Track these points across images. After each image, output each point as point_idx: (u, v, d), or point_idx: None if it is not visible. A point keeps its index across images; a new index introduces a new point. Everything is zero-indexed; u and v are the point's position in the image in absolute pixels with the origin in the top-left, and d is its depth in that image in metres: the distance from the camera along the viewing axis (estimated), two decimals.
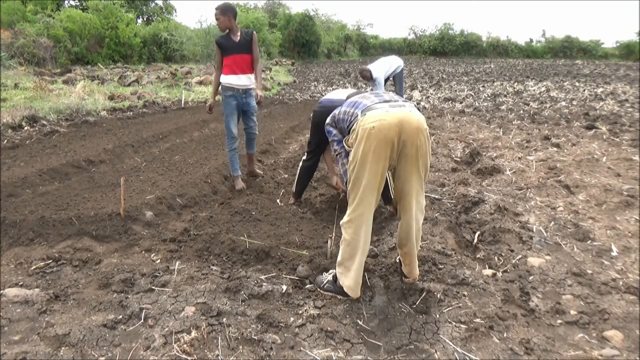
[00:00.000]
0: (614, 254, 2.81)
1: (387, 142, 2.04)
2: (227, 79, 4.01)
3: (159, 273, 2.58)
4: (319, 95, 12.25)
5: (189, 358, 1.83)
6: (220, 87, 4.10)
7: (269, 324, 2.10)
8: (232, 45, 3.97)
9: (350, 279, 2.24)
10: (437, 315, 2.18)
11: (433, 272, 2.56)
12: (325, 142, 3.55)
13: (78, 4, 24.57)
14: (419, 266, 2.47)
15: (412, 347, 1.97)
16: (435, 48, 37.47)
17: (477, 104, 10.08)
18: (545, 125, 7.22)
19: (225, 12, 3.91)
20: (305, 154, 3.77)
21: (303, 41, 31.36)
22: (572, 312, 2.21)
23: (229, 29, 3.98)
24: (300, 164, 3.81)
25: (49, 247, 2.90)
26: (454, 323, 2.12)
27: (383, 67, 7.28)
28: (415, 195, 2.21)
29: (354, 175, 2.13)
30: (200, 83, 13.90)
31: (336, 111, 2.51)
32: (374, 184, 2.12)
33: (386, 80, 7.39)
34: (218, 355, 1.87)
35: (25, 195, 3.77)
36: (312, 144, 3.64)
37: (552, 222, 3.31)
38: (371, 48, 39.74)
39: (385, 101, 2.19)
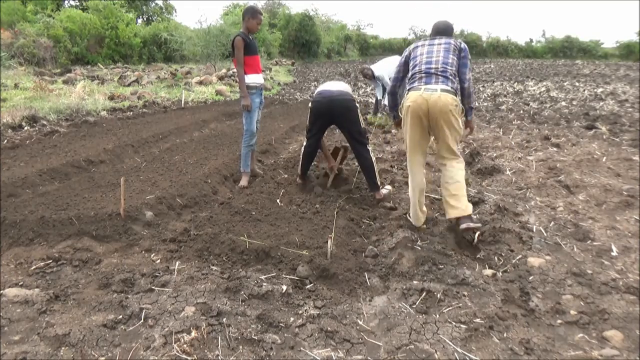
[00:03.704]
0: (614, 254, 2.81)
1: (419, 118, 2.92)
2: (253, 78, 4.18)
3: (159, 273, 2.58)
4: None
5: (189, 358, 1.83)
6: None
7: (269, 324, 2.09)
8: (254, 46, 4.18)
9: (411, 209, 3.17)
10: (437, 315, 2.18)
11: (433, 272, 2.56)
12: (323, 128, 4.07)
13: (78, 4, 24.57)
14: (419, 265, 2.49)
15: (412, 347, 1.97)
16: None
17: (477, 104, 10.07)
18: (545, 125, 7.22)
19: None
20: (306, 139, 4.14)
21: (303, 41, 31.36)
22: (572, 312, 2.21)
23: (253, 31, 4.18)
24: (302, 149, 4.20)
25: (49, 247, 2.90)
26: (454, 323, 2.12)
27: (387, 67, 7.25)
28: (448, 150, 3.00)
29: (405, 135, 3.07)
30: (200, 83, 13.90)
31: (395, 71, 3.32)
32: (414, 143, 3.04)
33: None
34: (218, 355, 1.87)
35: (25, 195, 3.77)
36: (313, 130, 4.01)
37: (552, 222, 3.31)
38: (371, 48, 39.71)
39: (426, 83, 2.92)
